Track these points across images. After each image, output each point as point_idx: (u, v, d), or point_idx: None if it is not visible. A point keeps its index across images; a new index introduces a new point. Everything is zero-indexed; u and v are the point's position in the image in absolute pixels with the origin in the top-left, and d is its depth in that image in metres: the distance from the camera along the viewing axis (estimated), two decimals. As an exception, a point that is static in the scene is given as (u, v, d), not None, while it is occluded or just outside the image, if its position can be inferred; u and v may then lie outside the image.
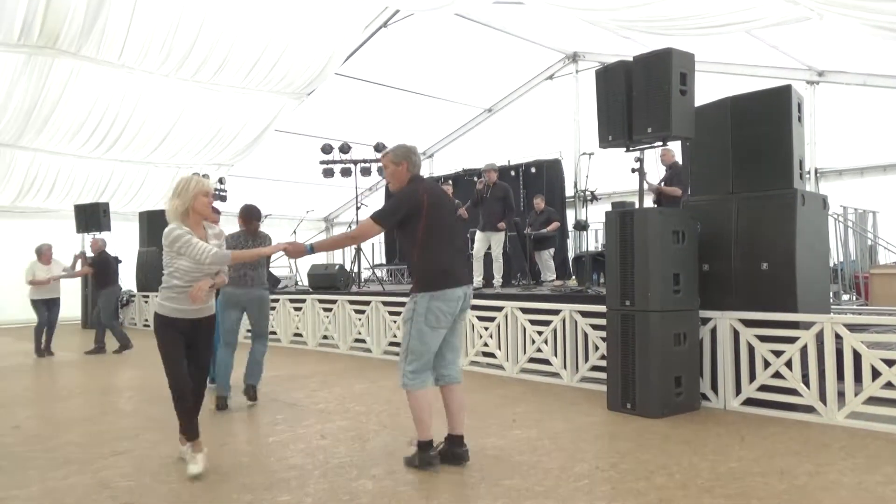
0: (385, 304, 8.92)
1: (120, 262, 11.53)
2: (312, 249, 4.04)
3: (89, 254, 11.11)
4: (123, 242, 14.19)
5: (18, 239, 15.28)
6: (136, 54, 11.50)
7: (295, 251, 4.13)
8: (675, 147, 8.29)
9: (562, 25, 11.86)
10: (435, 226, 3.92)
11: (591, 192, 8.80)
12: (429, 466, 3.93)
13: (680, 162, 8.44)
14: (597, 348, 6.36)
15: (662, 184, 8.53)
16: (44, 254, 10.01)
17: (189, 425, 3.99)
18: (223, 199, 14.72)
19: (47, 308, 9.98)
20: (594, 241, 13.20)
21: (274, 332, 10.85)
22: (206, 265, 3.96)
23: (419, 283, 3.95)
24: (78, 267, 10.88)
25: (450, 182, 12.39)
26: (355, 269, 11.90)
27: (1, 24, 10.06)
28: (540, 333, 6.90)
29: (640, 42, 10.63)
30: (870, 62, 10.27)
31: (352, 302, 9.52)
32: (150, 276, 13.46)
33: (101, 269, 10.13)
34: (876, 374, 4.71)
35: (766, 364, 5.24)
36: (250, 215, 6.05)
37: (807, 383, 5.05)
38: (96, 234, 12.33)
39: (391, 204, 4.04)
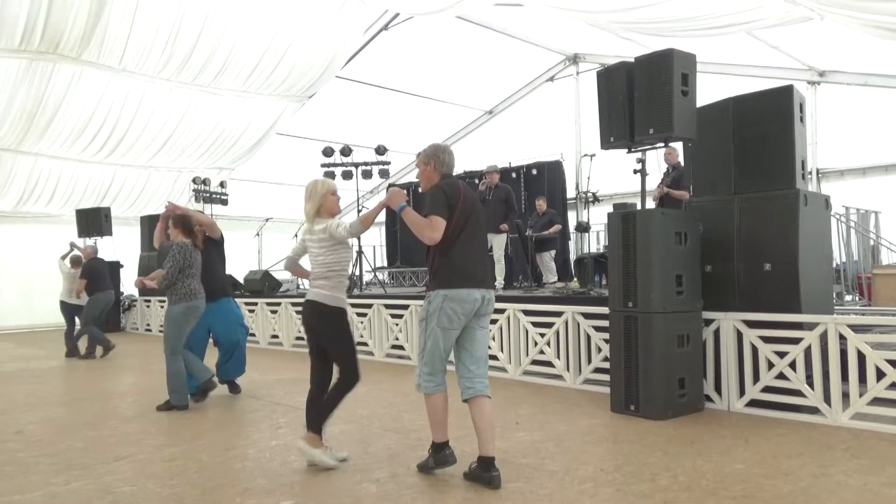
0: (387, 307, 8.91)
1: (122, 266, 11.60)
2: (404, 207, 3.88)
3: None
4: (125, 247, 14.21)
5: (20, 245, 15.34)
6: (137, 59, 11.53)
7: (395, 197, 3.94)
8: (679, 147, 8.29)
9: (562, 27, 11.87)
10: (462, 225, 3.81)
11: (593, 194, 8.79)
12: (444, 465, 3.88)
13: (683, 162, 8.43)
14: (599, 350, 6.34)
15: (665, 184, 8.49)
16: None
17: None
18: (224, 202, 14.74)
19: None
20: (596, 242, 13.19)
21: (276, 336, 10.85)
22: (354, 236, 4.29)
23: (435, 280, 3.83)
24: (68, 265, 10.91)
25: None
26: (357, 273, 11.89)
27: (2, 30, 10.09)
28: (542, 335, 6.89)
29: (641, 43, 10.65)
30: (870, 62, 10.26)
31: (354, 305, 9.51)
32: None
33: (89, 277, 10.18)
34: (880, 374, 4.70)
35: (770, 365, 5.23)
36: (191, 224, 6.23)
37: (811, 384, 5.03)
38: (87, 241, 12.37)
39: (434, 196, 3.81)
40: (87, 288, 10.17)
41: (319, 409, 4.19)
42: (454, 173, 4.05)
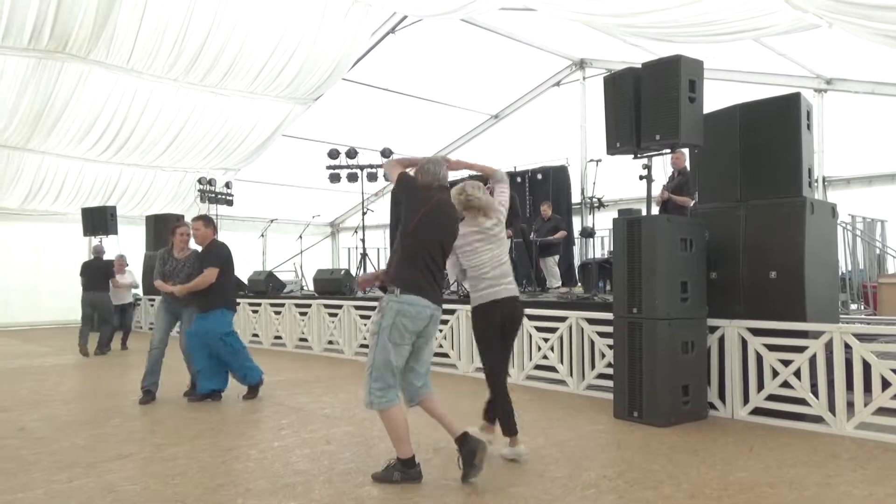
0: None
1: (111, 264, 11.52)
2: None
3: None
4: (131, 246, 14.24)
5: (26, 242, 15.41)
6: (145, 59, 11.57)
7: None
8: (686, 153, 8.25)
9: (569, 32, 11.87)
10: (423, 238, 3.81)
11: (598, 199, 8.78)
12: (412, 481, 3.80)
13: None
14: (603, 356, 6.33)
15: (668, 188, 8.38)
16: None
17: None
18: (229, 203, 14.77)
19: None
20: (600, 248, 13.17)
21: (279, 337, 10.85)
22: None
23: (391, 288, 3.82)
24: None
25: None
26: (361, 274, 11.90)
27: (11, 29, 10.14)
28: (546, 340, 6.88)
29: (648, 49, 10.63)
30: (878, 70, 10.23)
31: (357, 307, 9.51)
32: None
33: (82, 275, 10.38)
34: (886, 384, 4.67)
35: (775, 373, 5.21)
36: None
37: (815, 393, 5.01)
38: (93, 239, 12.47)
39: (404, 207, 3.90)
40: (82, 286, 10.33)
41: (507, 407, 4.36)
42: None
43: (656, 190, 7.38)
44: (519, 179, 14.15)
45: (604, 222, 9.96)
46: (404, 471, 3.82)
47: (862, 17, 6.54)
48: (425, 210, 3.82)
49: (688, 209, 7.54)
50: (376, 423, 5.36)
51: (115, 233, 12.72)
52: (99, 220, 12.78)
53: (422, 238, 3.81)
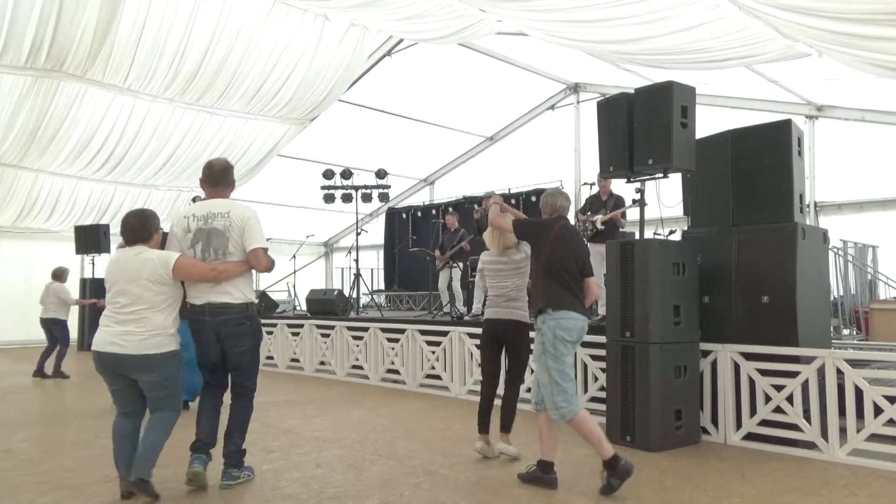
0: (384, 330, 8.88)
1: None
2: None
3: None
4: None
5: (18, 260, 15.32)
6: (142, 78, 11.61)
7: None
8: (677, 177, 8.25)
9: (564, 56, 11.99)
10: (559, 259, 4.31)
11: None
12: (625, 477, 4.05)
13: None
14: (596, 379, 6.31)
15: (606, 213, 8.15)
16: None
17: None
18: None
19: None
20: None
21: (271, 357, 10.79)
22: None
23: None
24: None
25: (450, 210, 12.41)
26: (354, 295, 11.88)
27: (9, 48, 10.17)
28: (539, 363, 6.84)
29: (642, 75, 10.75)
30: (868, 98, 10.36)
31: (350, 328, 9.48)
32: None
33: None
34: (878, 410, 4.67)
35: (767, 398, 5.20)
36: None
37: (808, 419, 5.00)
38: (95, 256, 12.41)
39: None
40: None
41: (509, 410, 4.87)
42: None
43: (650, 216, 7.36)
44: (513, 201, 14.20)
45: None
46: (613, 470, 4.00)
47: (851, 47, 6.64)
48: (553, 236, 4.30)
49: (620, 223, 7.78)
50: (367, 445, 5.32)
51: (108, 251, 12.67)
52: (92, 239, 12.75)
53: (558, 259, 4.27)
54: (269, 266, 4.14)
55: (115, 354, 3.80)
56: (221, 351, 4.09)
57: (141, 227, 4.02)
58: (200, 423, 4.16)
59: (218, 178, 4.30)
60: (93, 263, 12.74)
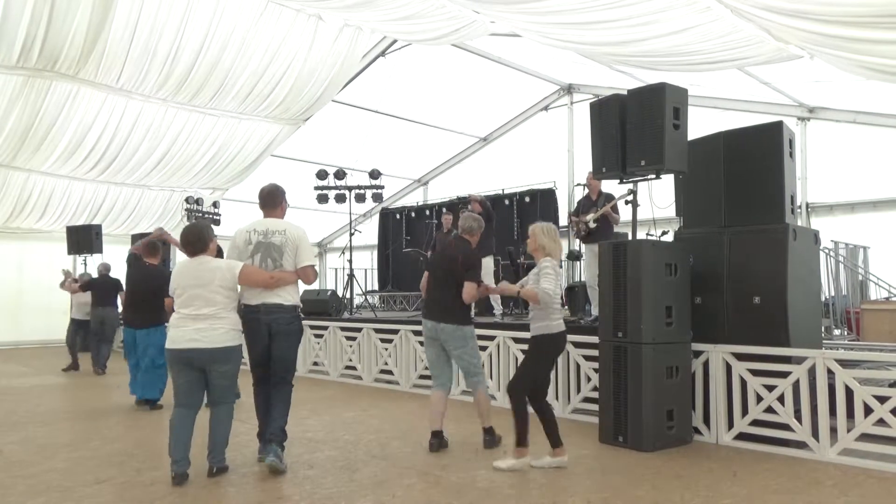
0: (377, 331, 8.87)
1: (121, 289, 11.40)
2: None
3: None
4: (116, 265, 14.10)
5: (9, 260, 15.23)
6: (135, 78, 11.56)
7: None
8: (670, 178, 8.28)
9: (557, 57, 12.01)
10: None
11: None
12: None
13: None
14: (589, 379, 6.32)
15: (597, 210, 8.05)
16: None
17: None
18: (217, 222, 14.71)
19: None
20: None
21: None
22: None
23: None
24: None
25: (444, 210, 12.42)
26: (347, 296, 11.86)
27: (0, 47, 10.11)
28: (532, 364, 6.85)
29: (635, 76, 10.78)
30: (859, 100, 10.42)
31: (343, 329, 9.46)
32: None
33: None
34: (868, 410, 4.70)
35: (759, 398, 5.22)
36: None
37: (799, 419, 5.03)
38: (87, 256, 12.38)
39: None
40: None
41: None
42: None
43: (642, 216, 7.33)
44: (507, 202, 14.23)
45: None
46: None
47: (842, 49, 6.68)
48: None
49: (613, 218, 7.73)
50: (360, 447, 5.32)
51: (100, 251, 12.60)
52: (84, 239, 12.67)
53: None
54: (315, 279, 4.84)
55: (196, 349, 4.31)
56: (268, 347, 4.60)
57: (197, 240, 4.58)
58: (261, 415, 4.73)
59: (266, 200, 5.06)
60: (84, 264, 12.64)
